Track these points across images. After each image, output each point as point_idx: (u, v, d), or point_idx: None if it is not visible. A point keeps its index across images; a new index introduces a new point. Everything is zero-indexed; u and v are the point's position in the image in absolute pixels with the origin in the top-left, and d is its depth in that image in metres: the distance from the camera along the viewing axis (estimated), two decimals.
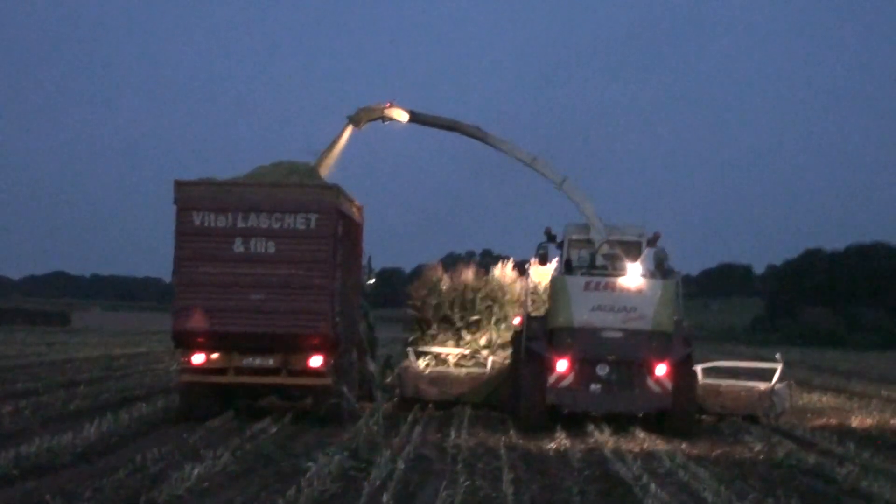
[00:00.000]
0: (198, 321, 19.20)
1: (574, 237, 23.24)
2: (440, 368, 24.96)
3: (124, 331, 66.50)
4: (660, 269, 21.52)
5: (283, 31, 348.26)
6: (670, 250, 22.10)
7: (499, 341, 26.29)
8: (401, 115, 25.93)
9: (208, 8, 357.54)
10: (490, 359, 24.81)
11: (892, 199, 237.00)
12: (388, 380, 26.35)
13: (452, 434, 18.78)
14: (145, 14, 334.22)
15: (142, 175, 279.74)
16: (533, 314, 22.66)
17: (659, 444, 18.70)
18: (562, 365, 20.48)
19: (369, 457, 15.48)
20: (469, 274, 27.56)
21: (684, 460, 16.60)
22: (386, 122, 26.13)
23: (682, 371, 20.70)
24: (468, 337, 26.61)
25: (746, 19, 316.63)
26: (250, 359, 19.62)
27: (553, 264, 23.57)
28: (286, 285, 19.16)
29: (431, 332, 26.65)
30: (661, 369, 20.37)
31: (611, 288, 20.66)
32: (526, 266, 24.42)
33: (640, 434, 19.94)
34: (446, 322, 26.73)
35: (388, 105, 25.95)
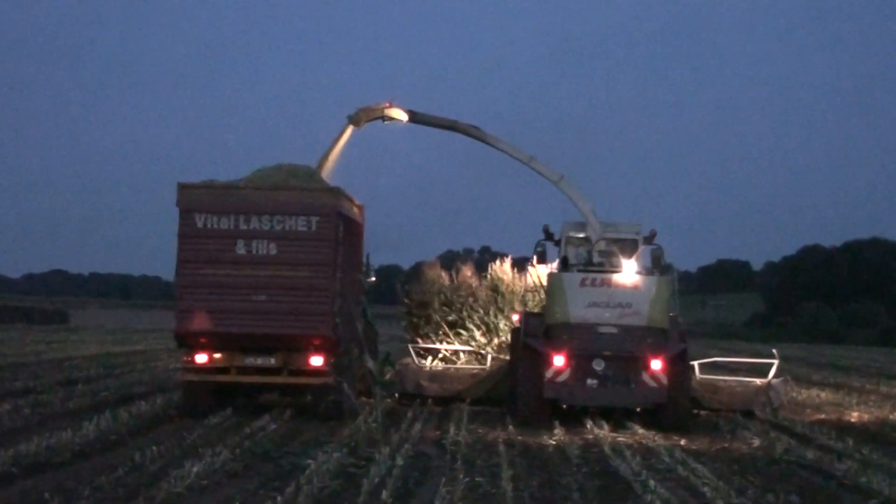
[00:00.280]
0: (201, 322, 19.52)
1: (571, 235, 23.44)
2: (441, 365, 25.07)
3: (123, 329, 66.42)
4: (656, 266, 21.84)
5: (283, 32, 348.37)
6: (668, 247, 22.47)
7: (498, 338, 26.38)
8: (400, 115, 26.07)
9: (209, 8, 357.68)
10: (490, 355, 24.95)
11: (890, 196, 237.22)
12: (388, 377, 26.42)
13: (451, 430, 18.80)
14: (146, 14, 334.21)
15: (141, 174, 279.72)
16: (532, 311, 22.81)
17: (658, 440, 18.74)
18: (559, 360, 20.74)
19: (368, 454, 15.51)
20: (467, 271, 27.63)
21: (683, 456, 16.64)
22: (386, 122, 26.26)
23: (677, 366, 21.02)
24: (467, 334, 26.69)
25: (745, 16, 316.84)
26: (252, 358, 19.93)
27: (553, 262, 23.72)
28: (287, 287, 19.45)
29: (430, 329, 26.71)
30: (656, 364, 20.64)
31: (606, 284, 21.01)
32: (527, 265, 24.60)
33: (639, 430, 19.99)
34: (445, 319, 26.78)
35: (387, 105, 26.08)
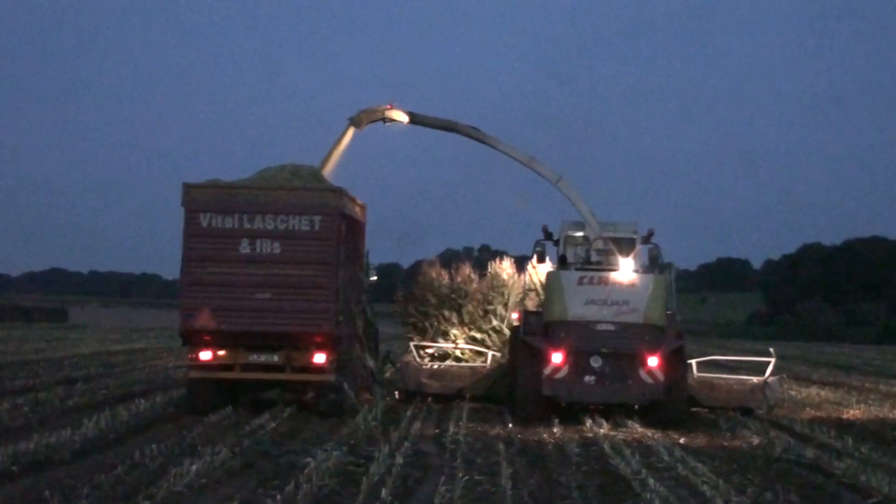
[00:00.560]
0: (205, 320, 19.75)
1: (570, 234, 23.77)
2: (441, 363, 25.15)
3: (122, 327, 66.38)
4: (653, 265, 21.98)
5: (284, 33, 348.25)
6: (668, 245, 22.65)
7: (498, 336, 26.44)
8: (401, 117, 26.39)
9: (212, 9, 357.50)
10: (490, 353, 25.06)
11: (890, 195, 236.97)
12: (388, 375, 26.55)
13: (451, 429, 18.81)
14: (146, 13, 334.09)
15: (141, 172, 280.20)
16: (531, 309, 22.96)
17: (657, 438, 18.75)
18: (557, 357, 20.92)
19: (368, 452, 15.52)
20: (467, 269, 27.68)
21: (682, 454, 16.64)
22: (387, 123, 26.51)
23: (673, 363, 21.23)
24: (466, 332, 26.72)
25: (745, 15, 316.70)
26: (255, 356, 20.18)
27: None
28: (291, 285, 19.72)
29: (430, 327, 26.73)
30: (652, 361, 20.85)
31: (604, 282, 21.19)
32: (526, 264, 24.77)
33: (638, 428, 20.01)
34: (444, 317, 26.81)
35: (388, 107, 26.38)
